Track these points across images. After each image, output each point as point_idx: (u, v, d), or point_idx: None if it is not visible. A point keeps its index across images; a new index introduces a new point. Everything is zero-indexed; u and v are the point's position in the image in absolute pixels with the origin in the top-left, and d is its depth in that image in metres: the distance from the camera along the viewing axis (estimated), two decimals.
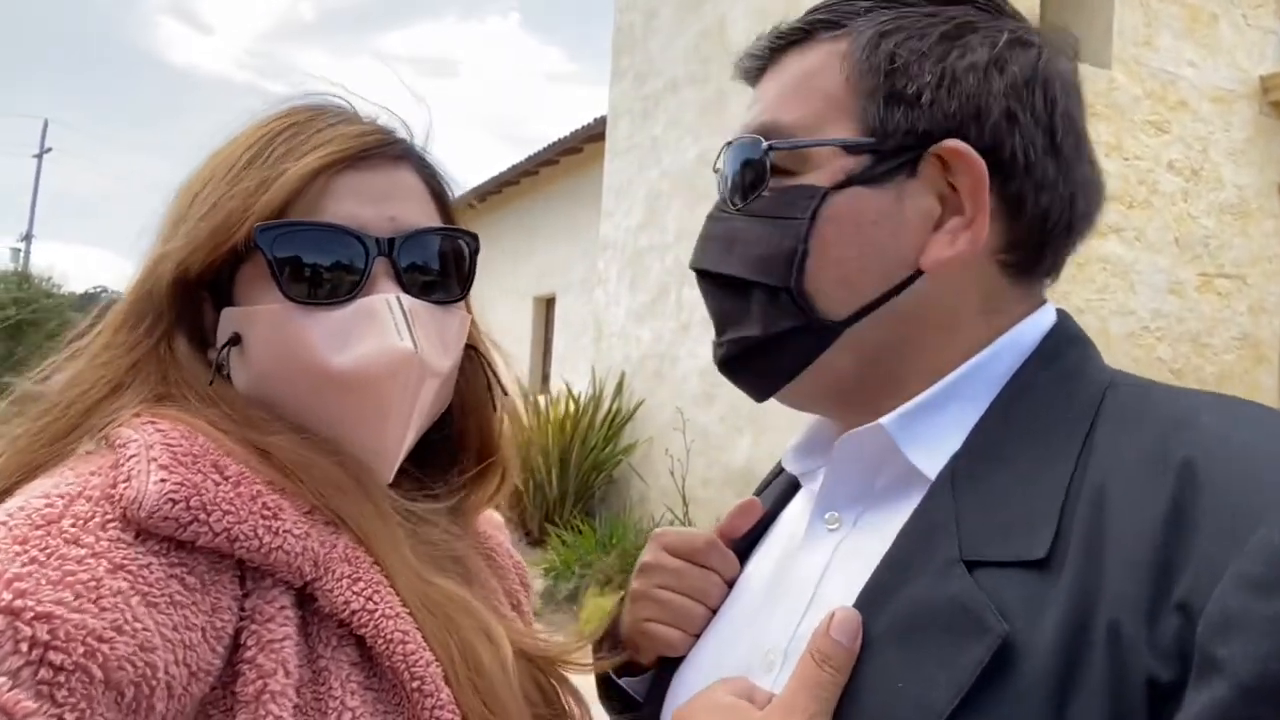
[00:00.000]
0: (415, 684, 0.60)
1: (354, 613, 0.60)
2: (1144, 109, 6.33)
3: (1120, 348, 5.95)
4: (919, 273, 0.60)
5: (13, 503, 0.54)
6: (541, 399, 8.45)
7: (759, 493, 0.83)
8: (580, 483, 7.85)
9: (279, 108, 0.72)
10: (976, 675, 0.47)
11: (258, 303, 0.67)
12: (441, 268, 0.72)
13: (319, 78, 0.77)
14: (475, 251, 0.76)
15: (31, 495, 0.54)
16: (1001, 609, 0.48)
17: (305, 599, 0.60)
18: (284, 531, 0.58)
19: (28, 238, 29.34)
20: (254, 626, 0.57)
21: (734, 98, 7.34)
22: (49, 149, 29.44)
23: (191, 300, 0.69)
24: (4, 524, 0.51)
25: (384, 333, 0.65)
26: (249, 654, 0.56)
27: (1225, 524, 0.45)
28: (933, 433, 0.59)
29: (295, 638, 0.58)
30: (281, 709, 0.55)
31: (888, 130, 0.60)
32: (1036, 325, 0.63)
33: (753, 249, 0.62)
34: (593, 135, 10.52)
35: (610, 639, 0.79)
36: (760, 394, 0.67)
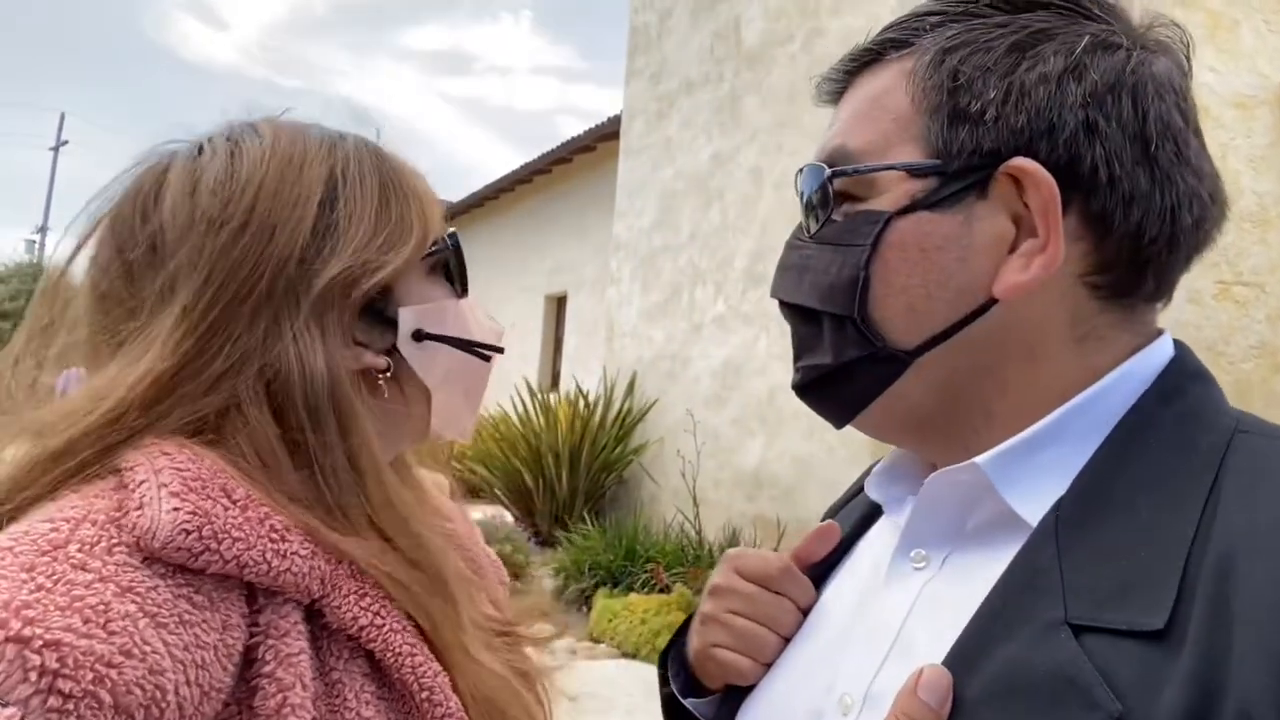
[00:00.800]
0: (425, 694, 0.62)
1: (362, 628, 0.61)
2: None
3: None
4: (994, 300, 0.57)
5: (17, 528, 0.54)
6: (551, 398, 8.46)
7: (835, 512, 0.80)
8: (590, 483, 7.85)
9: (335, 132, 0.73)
10: None
11: (431, 299, 0.73)
12: None
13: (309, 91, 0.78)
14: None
15: (35, 520, 0.54)
16: (1112, 683, 0.44)
17: (313, 614, 0.61)
18: (291, 554, 0.59)
19: (43, 230, 29.56)
20: (270, 641, 0.57)
21: (747, 99, 7.32)
22: (65, 142, 29.64)
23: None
24: (10, 549, 0.51)
25: (484, 319, 0.78)
26: (268, 668, 0.56)
27: None
28: (1034, 474, 0.55)
29: (309, 651, 0.59)
30: None
31: (952, 151, 0.57)
32: (1153, 358, 0.58)
33: (820, 278, 0.61)
34: (606, 134, 10.52)
35: (676, 657, 0.77)
36: (837, 421, 0.65)
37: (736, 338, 7.07)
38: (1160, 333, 0.61)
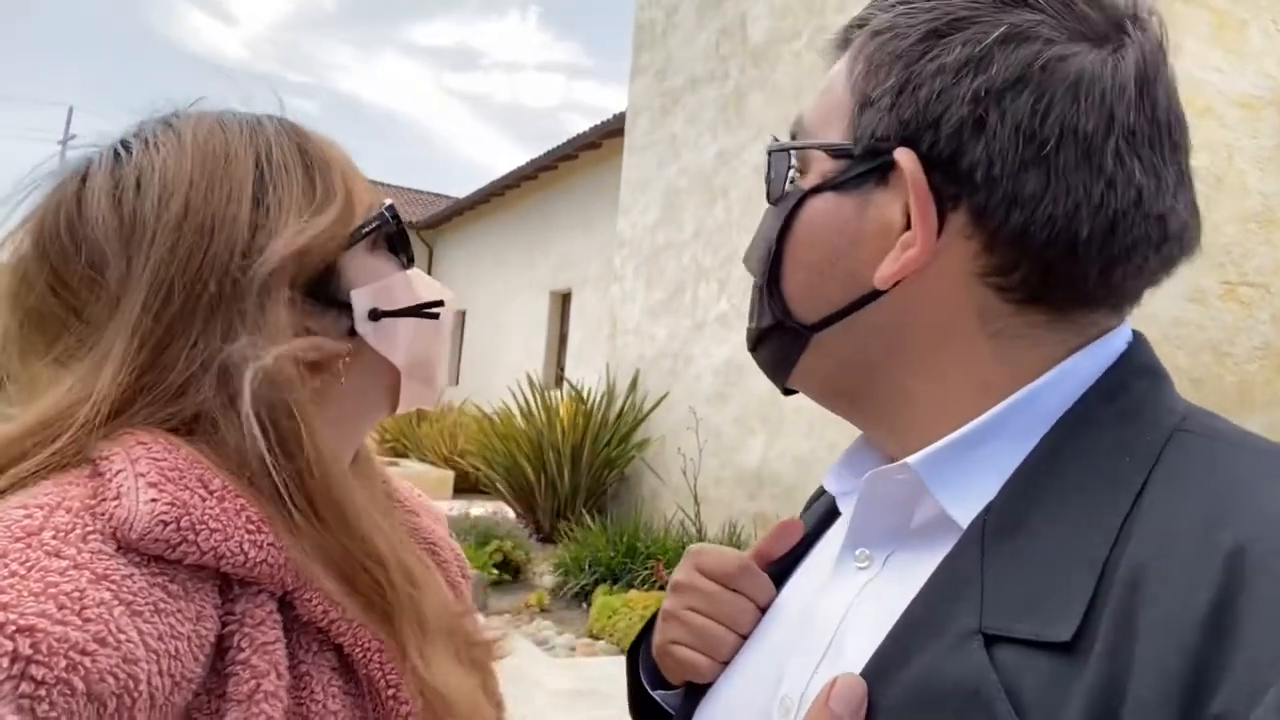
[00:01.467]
0: (390, 691, 0.63)
1: (333, 621, 0.61)
2: None
3: None
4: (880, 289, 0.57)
5: None
6: (554, 394, 8.47)
7: (806, 510, 0.79)
8: (592, 479, 7.86)
9: (250, 119, 0.71)
10: None
11: (381, 276, 0.72)
12: None
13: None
14: None
15: (9, 507, 0.54)
16: (1016, 696, 0.44)
17: (285, 605, 0.61)
18: (267, 545, 0.59)
19: None
20: (246, 629, 0.57)
21: (753, 96, 7.31)
22: (73, 136, 29.71)
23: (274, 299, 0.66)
24: None
25: (432, 282, 0.78)
26: (242, 655, 0.56)
27: (1271, 635, 0.39)
28: (967, 474, 0.54)
29: (283, 640, 0.59)
30: (273, 709, 0.55)
31: (858, 136, 0.57)
32: (1099, 355, 0.56)
33: (755, 245, 0.64)
34: (611, 131, 10.53)
35: (644, 651, 0.77)
36: (776, 382, 0.66)
37: (739, 336, 7.06)
38: (1112, 329, 0.58)
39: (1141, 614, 0.43)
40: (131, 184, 0.63)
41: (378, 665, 0.63)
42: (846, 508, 0.65)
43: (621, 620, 5.38)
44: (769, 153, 0.63)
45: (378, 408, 0.75)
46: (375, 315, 0.70)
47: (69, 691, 0.47)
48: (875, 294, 0.57)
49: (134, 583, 0.53)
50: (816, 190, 0.59)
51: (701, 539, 6.43)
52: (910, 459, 0.55)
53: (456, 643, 0.71)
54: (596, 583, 6.12)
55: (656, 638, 0.71)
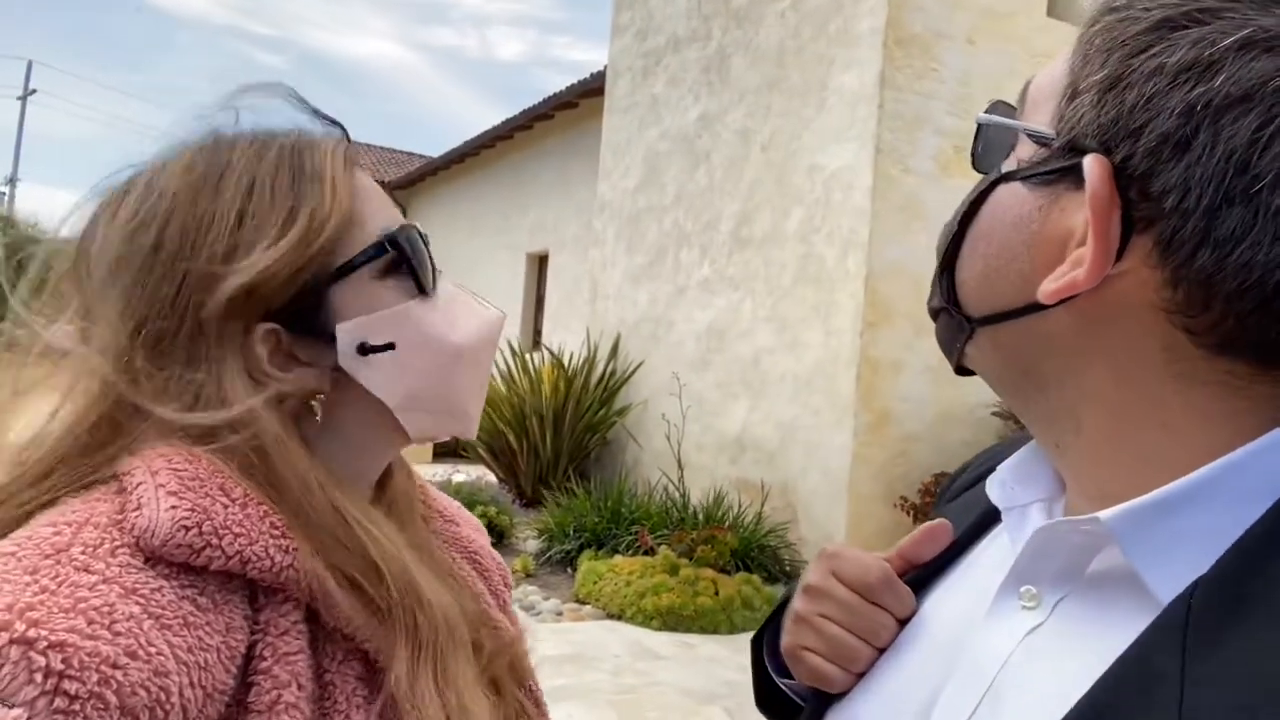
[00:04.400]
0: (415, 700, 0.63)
1: (358, 628, 0.62)
2: None
3: None
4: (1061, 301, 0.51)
5: (20, 533, 0.54)
6: (535, 358, 8.45)
7: (950, 499, 0.75)
8: (574, 444, 7.89)
9: (254, 129, 0.69)
10: None
11: (381, 306, 0.67)
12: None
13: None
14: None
15: (38, 525, 0.54)
16: None
17: (312, 614, 0.61)
18: (293, 550, 0.59)
19: (12, 181, 28.91)
20: (269, 639, 0.58)
21: (736, 58, 7.23)
22: (33, 90, 28.89)
23: (246, 329, 0.64)
24: (13, 554, 0.51)
25: (476, 306, 0.74)
26: (264, 665, 0.57)
27: None
28: (1170, 543, 0.47)
29: (307, 651, 0.59)
30: (294, 719, 0.56)
31: (1060, 127, 0.51)
32: None
33: (949, 221, 0.59)
34: (589, 90, 10.39)
35: (770, 639, 0.75)
36: (952, 361, 0.63)
37: (722, 301, 7.06)
38: None
39: None
40: (131, 207, 0.64)
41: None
42: (1014, 526, 0.61)
43: (607, 585, 5.44)
44: (979, 123, 0.58)
45: (389, 438, 0.72)
46: (364, 350, 0.66)
47: (102, 706, 0.47)
48: (1040, 306, 0.51)
49: (163, 596, 0.53)
50: (1007, 177, 0.54)
51: (685, 504, 6.49)
52: (1104, 515, 0.49)
53: (484, 659, 0.71)
54: (581, 548, 6.17)
55: (786, 639, 0.69)
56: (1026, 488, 0.61)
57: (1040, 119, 0.53)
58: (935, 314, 0.61)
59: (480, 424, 0.82)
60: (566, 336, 9.02)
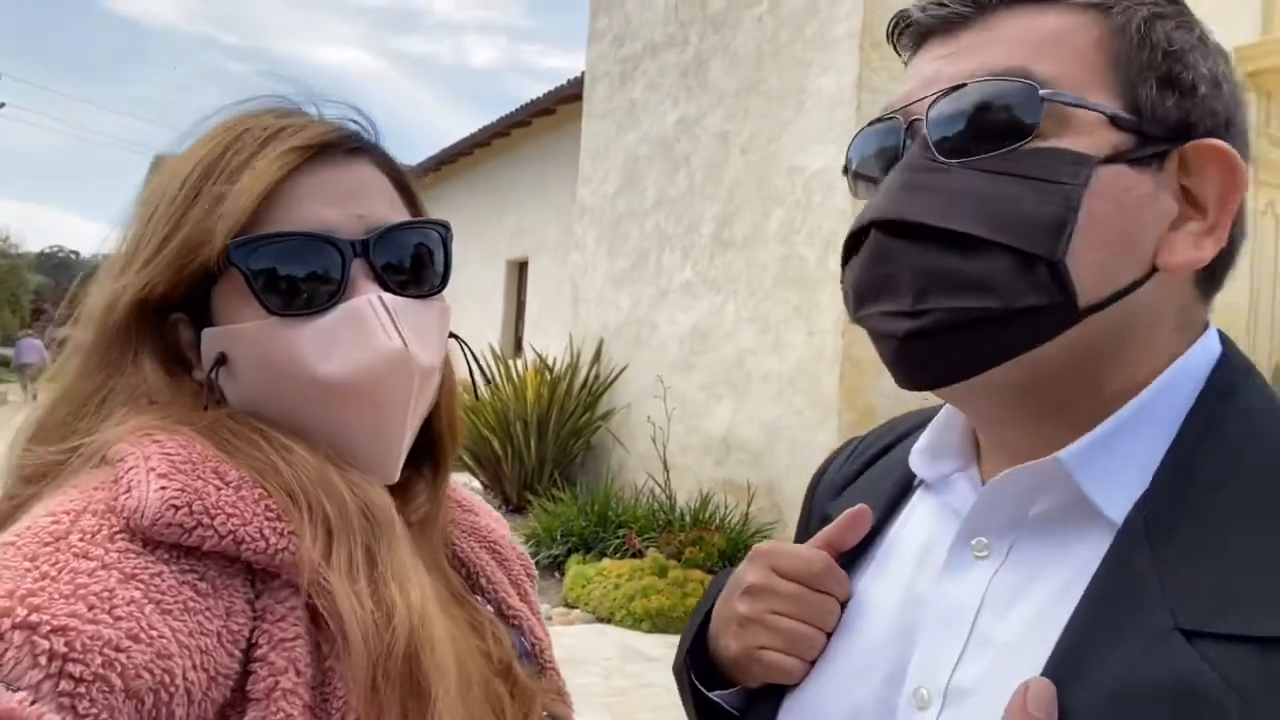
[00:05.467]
0: None
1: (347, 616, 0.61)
2: None
3: None
4: (1151, 273, 0.56)
5: (19, 524, 0.54)
6: (516, 364, 8.43)
7: (835, 494, 0.78)
8: (559, 449, 7.87)
9: (228, 114, 0.71)
10: None
11: (238, 319, 0.66)
12: (418, 261, 0.71)
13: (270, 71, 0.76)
14: (449, 239, 0.75)
15: (36, 515, 0.55)
16: (1235, 691, 0.44)
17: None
18: (289, 534, 0.59)
19: None
20: (266, 625, 0.57)
21: (713, 62, 7.27)
22: (1, 104, 28.51)
23: (161, 322, 0.68)
24: (12, 544, 0.52)
25: (373, 335, 0.65)
26: (260, 651, 0.56)
27: None
28: (1116, 470, 0.55)
29: (306, 637, 0.58)
30: (292, 706, 0.55)
31: (1157, 114, 0.56)
32: (1206, 351, 0.58)
33: (1003, 207, 0.54)
34: (566, 96, 10.39)
35: (695, 656, 0.75)
36: (944, 378, 0.59)
37: (704, 303, 7.09)
38: (1207, 324, 0.60)
39: None
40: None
41: None
42: (943, 492, 0.66)
43: (596, 589, 5.44)
44: (1041, 100, 0.55)
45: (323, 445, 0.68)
46: (222, 359, 0.66)
47: (107, 688, 0.48)
48: (1144, 279, 0.56)
49: (163, 581, 0.53)
50: (1109, 160, 0.55)
51: (672, 507, 6.49)
52: (1061, 454, 0.55)
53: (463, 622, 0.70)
54: (569, 552, 6.16)
55: (736, 644, 0.69)
56: (944, 461, 0.66)
57: (1093, 99, 0.56)
58: (1009, 316, 0.55)
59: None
60: (549, 342, 9.00)
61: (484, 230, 13.20)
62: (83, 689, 0.47)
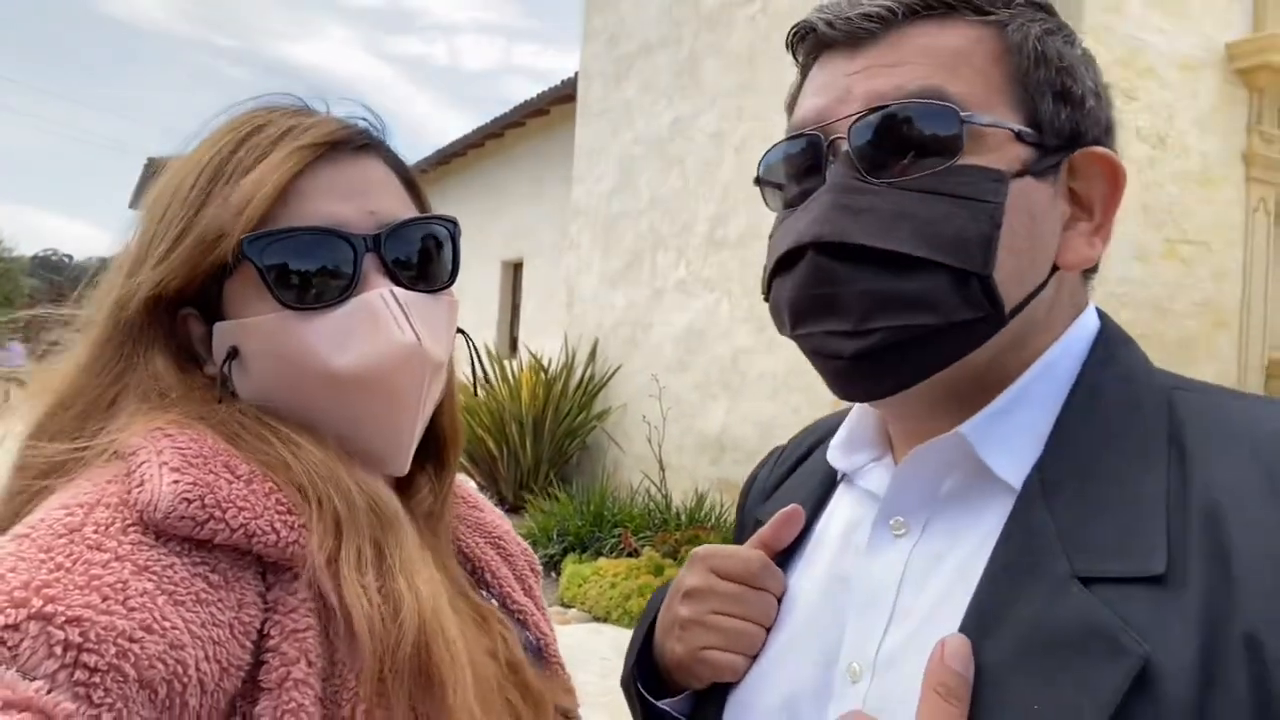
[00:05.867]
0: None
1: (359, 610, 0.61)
2: (1113, 76, 6.32)
3: None
4: (1054, 271, 0.61)
5: (33, 516, 0.55)
6: (512, 364, 8.44)
7: (766, 497, 0.81)
8: (555, 449, 7.87)
9: (234, 114, 0.72)
10: (1120, 698, 0.47)
11: (250, 313, 0.67)
12: (428, 256, 0.72)
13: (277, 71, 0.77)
14: (457, 235, 0.76)
15: (51, 508, 0.55)
16: (1131, 628, 0.48)
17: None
18: (299, 527, 0.60)
19: None
20: (277, 617, 0.58)
21: (707, 62, 7.28)
22: None
23: (172, 318, 0.69)
24: (27, 535, 0.52)
25: (385, 328, 0.66)
26: (272, 642, 0.57)
27: None
28: (1011, 439, 0.59)
29: (317, 628, 0.59)
30: (304, 696, 0.56)
31: (1054, 127, 0.60)
32: (1087, 326, 0.64)
33: (938, 227, 0.57)
34: (560, 97, 10.38)
35: (641, 665, 0.76)
36: (889, 390, 0.61)
37: (699, 303, 7.10)
38: (1087, 302, 0.66)
39: (1230, 544, 0.49)
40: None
41: None
42: (861, 480, 0.70)
43: (592, 588, 5.44)
44: (962, 121, 0.58)
45: (335, 443, 0.69)
46: (234, 353, 0.67)
47: (121, 678, 0.48)
48: (1048, 280, 0.61)
49: (175, 573, 0.54)
50: (1019, 175, 0.59)
51: (668, 506, 6.50)
52: (962, 428, 0.60)
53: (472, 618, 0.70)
54: (565, 552, 6.16)
55: (680, 647, 0.70)
56: (860, 451, 0.71)
57: (997, 117, 0.60)
58: (948, 330, 0.58)
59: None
60: (544, 342, 9.00)
61: (479, 231, 13.19)
62: (97, 679, 0.47)
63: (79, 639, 0.47)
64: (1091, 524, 0.53)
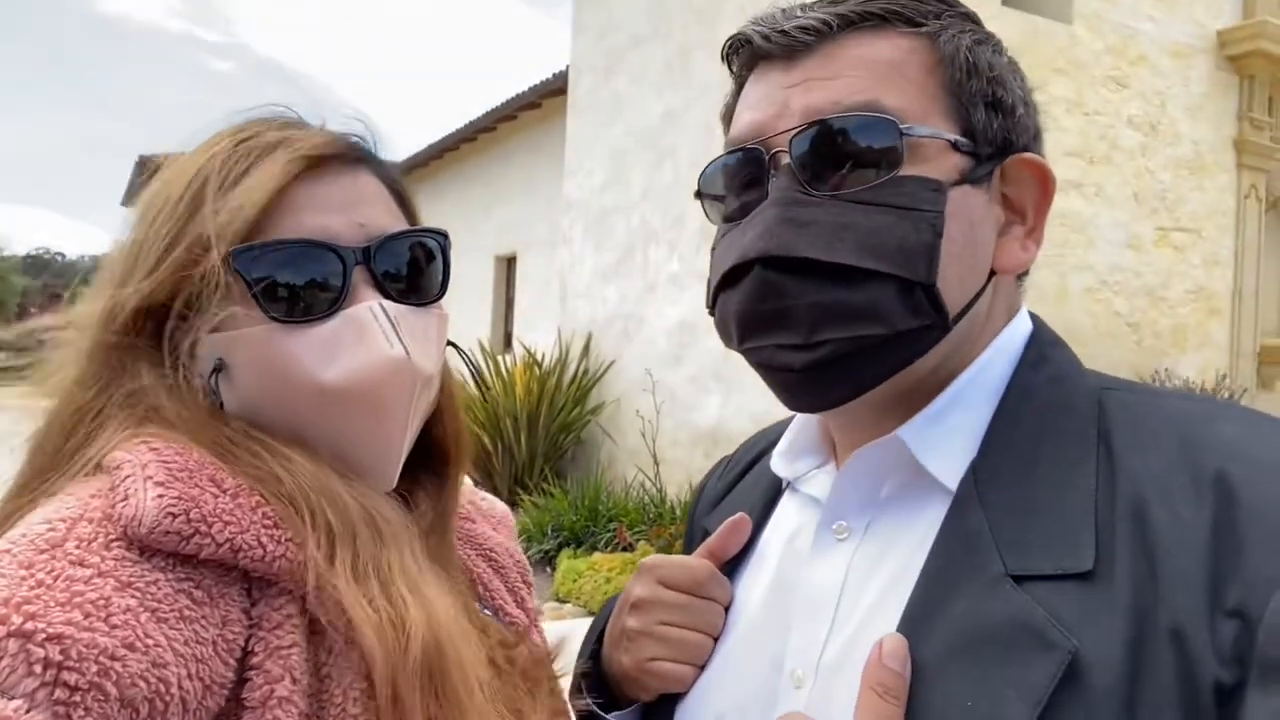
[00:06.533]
0: None
1: (348, 622, 0.60)
2: (1105, 64, 6.37)
3: (1078, 303, 6.06)
4: (991, 276, 0.63)
5: (15, 531, 0.54)
6: (506, 359, 8.43)
7: (713, 506, 0.82)
8: (549, 444, 7.86)
9: (225, 125, 0.71)
10: (1050, 692, 0.48)
11: (238, 325, 0.66)
12: (418, 269, 0.72)
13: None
14: (447, 248, 0.76)
15: (33, 522, 0.54)
16: (1060, 623, 0.50)
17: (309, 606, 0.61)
18: (286, 541, 0.59)
19: None
20: (261, 634, 0.57)
21: (697, 54, 7.25)
22: None
23: (159, 329, 0.68)
24: (7, 551, 0.51)
25: (373, 342, 0.66)
26: (256, 659, 0.56)
27: (1270, 538, 0.48)
28: (946, 442, 0.61)
29: (302, 645, 0.58)
30: (288, 714, 0.55)
31: (987, 136, 0.62)
32: (1019, 329, 0.66)
33: (881, 238, 0.58)
34: (552, 90, 10.36)
35: (591, 678, 0.76)
36: (837, 401, 0.62)
37: (692, 296, 7.08)
38: (1020, 306, 0.69)
39: (1154, 538, 0.51)
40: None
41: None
42: (804, 486, 0.70)
43: (587, 583, 5.44)
44: (900, 134, 0.59)
45: (328, 457, 0.68)
46: (220, 365, 0.66)
47: (102, 697, 0.48)
48: (986, 285, 0.63)
49: (159, 589, 0.53)
50: (957, 184, 0.61)
51: (662, 500, 6.50)
52: (899, 432, 0.61)
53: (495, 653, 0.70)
54: (560, 547, 6.16)
55: (627, 658, 0.71)
56: (802, 460, 0.71)
57: (932, 128, 0.60)
58: (895, 339, 0.59)
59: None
60: (538, 337, 8.99)
61: (472, 226, 13.18)
62: (78, 697, 0.47)
63: (59, 657, 0.47)
64: (1024, 523, 0.55)
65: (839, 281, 0.58)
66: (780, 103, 0.62)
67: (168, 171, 0.70)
